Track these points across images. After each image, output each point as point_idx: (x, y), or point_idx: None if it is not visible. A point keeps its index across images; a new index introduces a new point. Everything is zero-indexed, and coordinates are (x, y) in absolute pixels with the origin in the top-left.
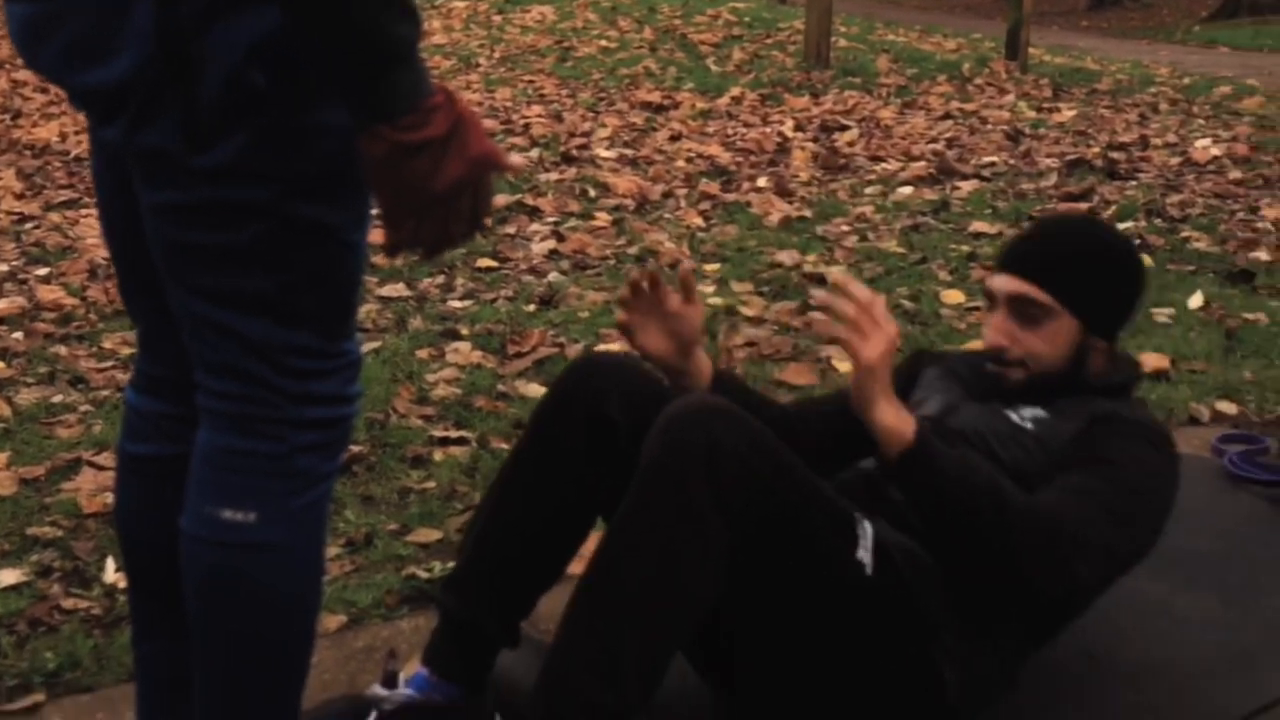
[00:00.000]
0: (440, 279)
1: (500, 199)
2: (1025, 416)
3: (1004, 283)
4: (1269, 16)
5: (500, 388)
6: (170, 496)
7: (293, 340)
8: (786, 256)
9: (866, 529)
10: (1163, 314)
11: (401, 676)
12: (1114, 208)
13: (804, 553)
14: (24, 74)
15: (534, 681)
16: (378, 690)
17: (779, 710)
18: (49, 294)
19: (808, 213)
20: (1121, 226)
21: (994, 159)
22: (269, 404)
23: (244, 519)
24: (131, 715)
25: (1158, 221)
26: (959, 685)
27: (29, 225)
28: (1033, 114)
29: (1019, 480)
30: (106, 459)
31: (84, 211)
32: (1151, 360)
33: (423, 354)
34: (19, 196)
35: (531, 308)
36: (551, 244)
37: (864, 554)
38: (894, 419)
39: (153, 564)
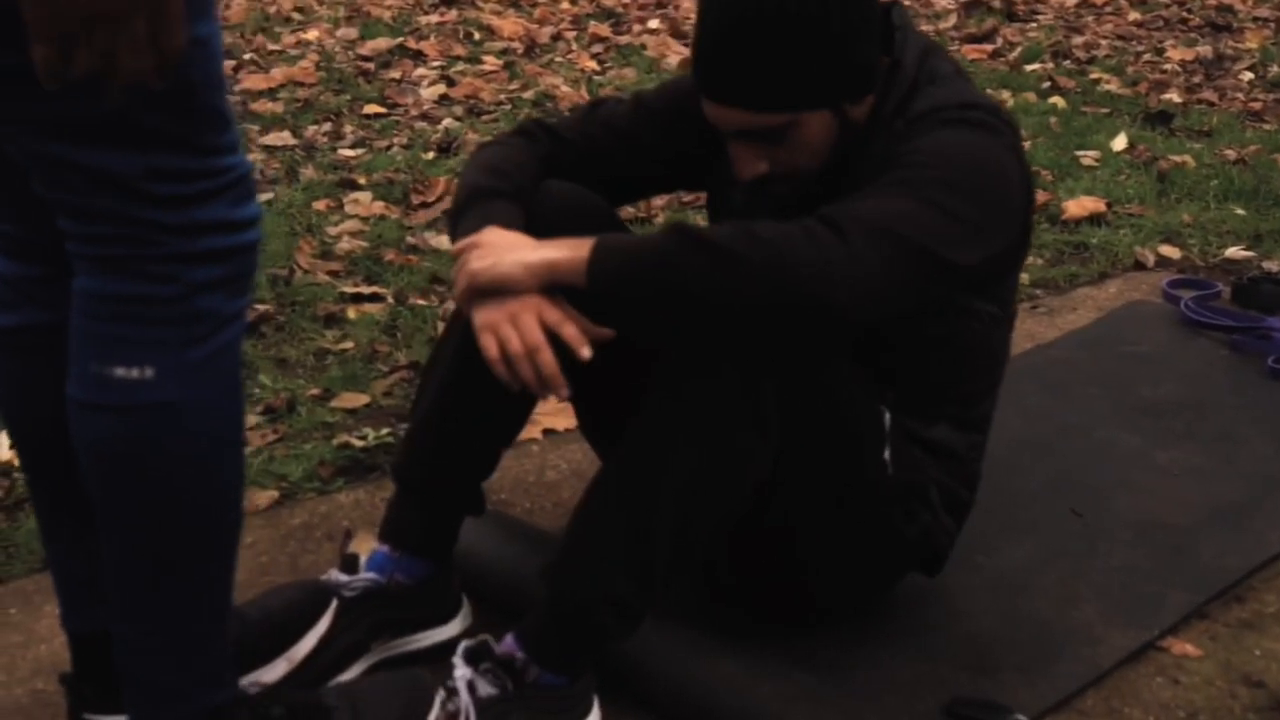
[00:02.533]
0: (327, 126)
1: (381, 43)
2: None
3: (718, 114)
4: None
5: (410, 239)
6: (53, 370)
7: (148, 163)
8: None
9: (886, 420)
10: (1088, 156)
11: (361, 558)
12: (1018, 49)
13: (843, 454)
14: None
15: (510, 565)
16: (336, 576)
17: (764, 582)
18: None
19: None
20: (1029, 68)
21: None
22: (147, 241)
23: (140, 376)
24: (50, 607)
25: (1066, 63)
26: (939, 525)
27: None
28: None
29: None
30: None
31: None
32: (1088, 204)
33: (320, 205)
34: None
35: (430, 155)
36: (441, 89)
37: (888, 452)
38: (557, 253)
39: (46, 450)
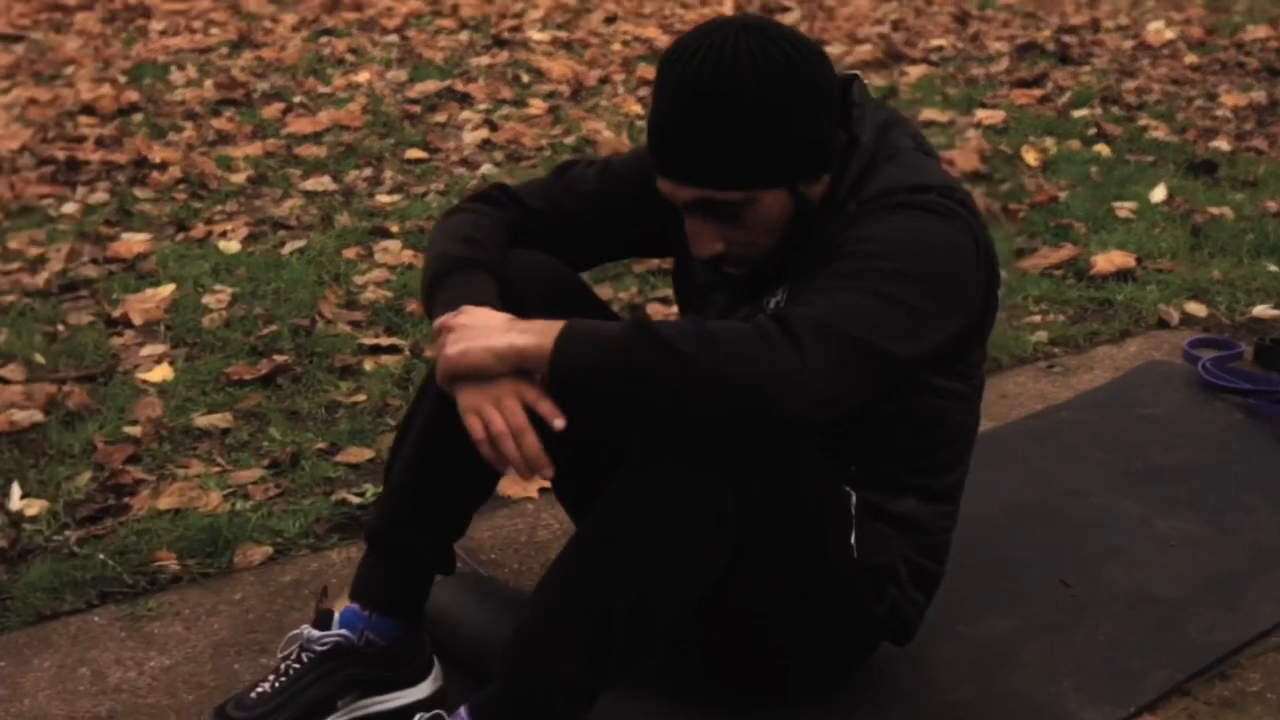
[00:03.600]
0: (367, 171)
1: (430, 85)
2: (770, 310)
3: (672, 191)
4: None
5: None
6: None
7: None
8: None
9: (853, 502)
10: (1125, 208)
11: (336, 614)
12: (1068, 94)
13: (806, 540)
14: None
15: (483, 628)
16: (309, 631)
17: (737, 660)
18: None
19: None
20: (1077, 114)
21: (942, 42)
22: None
23: None
24: (40, 660)
25: (1114, 109)
26: (908, 599)
27: None
28: None
29: None
30: (12, 371)
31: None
32: (1117, 259)
33: (350, 253)
34: None
35: None
36: (484, 133)
37: (854, 536)
38: (524, 339)
39: None
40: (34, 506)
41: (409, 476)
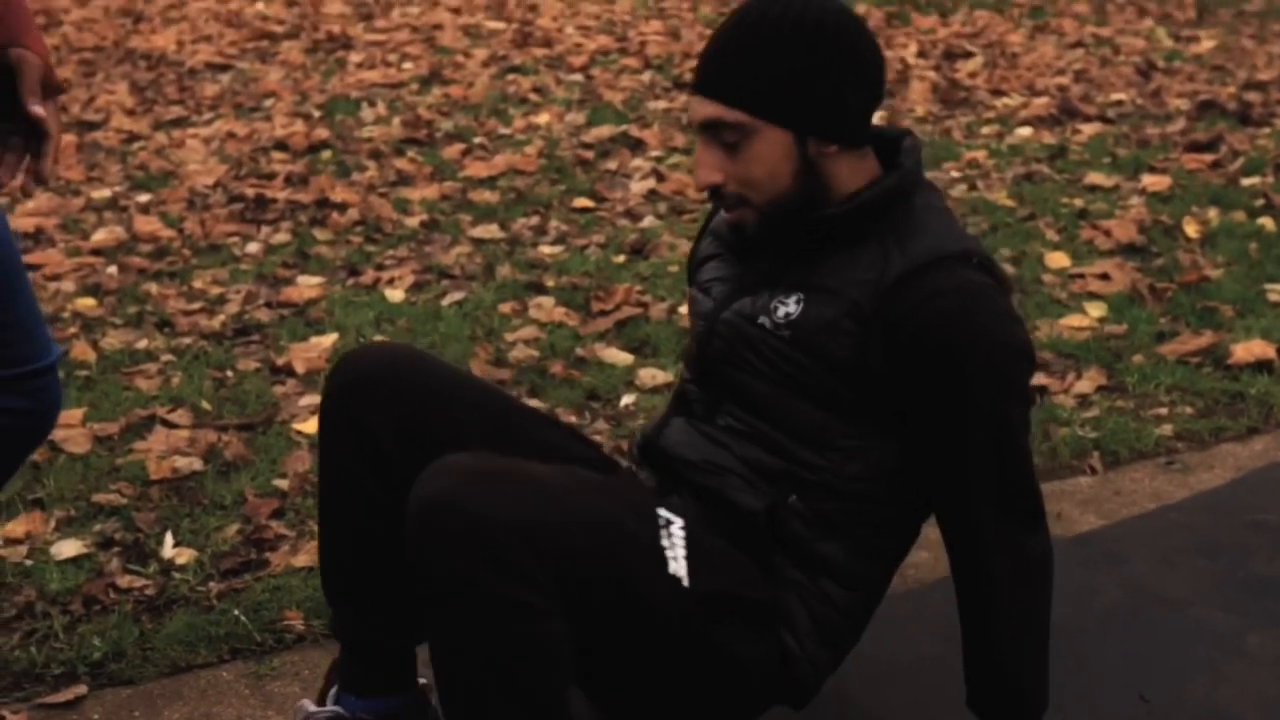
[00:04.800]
0: (534, 220)
1: (605, 130)
2: (779, 317)
3: (693, 106)
4: None
5: (579, 351)
6: None
7: None
8: None
9: (674, 534)
10: (1277, 290)
11: (332, 691)
12: (1241, 159)
13: (620, 593)
14: None
15: None
16: (306, 705)
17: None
18: (146, 225)
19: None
20: (1246, 182)
21: (1122, 96)
22: None
23: None
24: (170, 712)
25: None
26: (803, 653)
27: (136, 145)
28: (1169, 43)
29: (796, 388)
30: (180, 416)
31: (190, 131)
32: (1257, 349)
33: (506, 308)
34: (129, 113)
35: (621, 259)
36: (651, 183)
37: (676, 566)
38: None
39: None
40: (184, 555)
41: (330, 566)
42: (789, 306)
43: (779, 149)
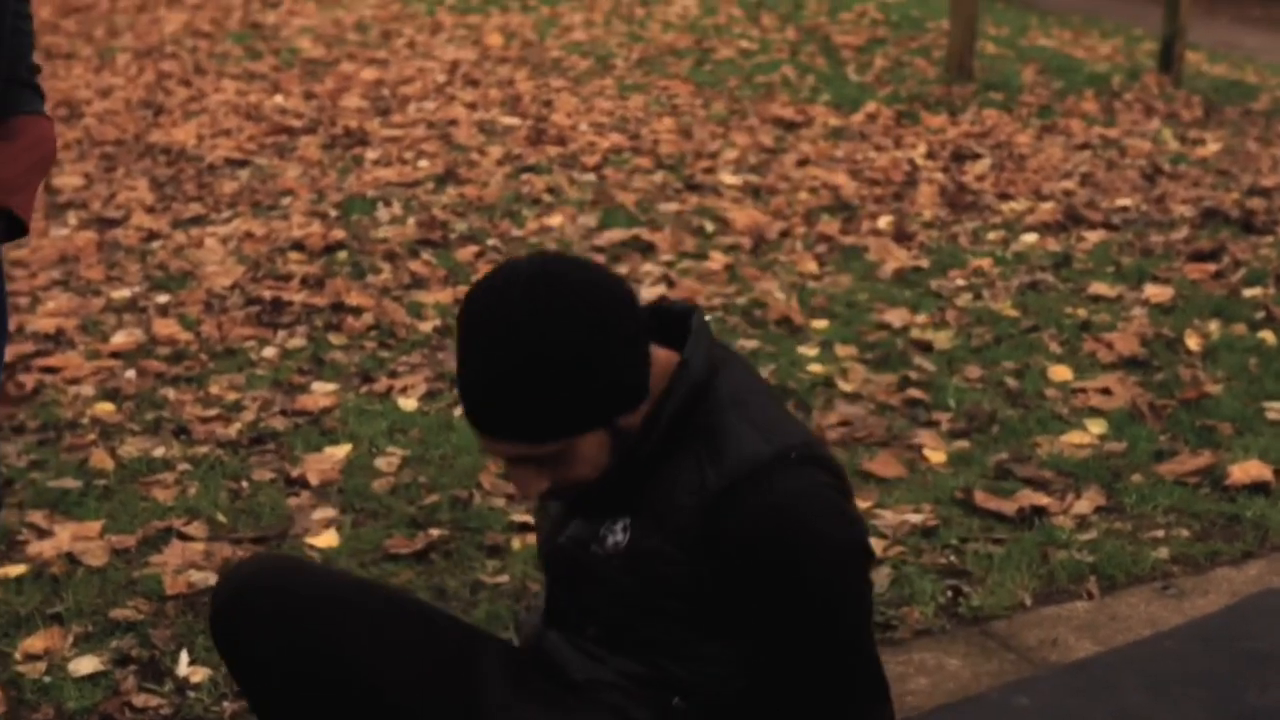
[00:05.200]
0: None
1: (616, 234)
2: (609, 546)
3: (490, 446)
4: None
5: None
6: None
7: None
8: (896, 316)
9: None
10: (1275, 409)
11: None
12: (1243, 270)
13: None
14: (170, 64)
15: None
16: None
17: None
18: (165, 327)
19: (925, 262)
20: (1248, 293)
21: (1127, 202)
22: None
23: None
24: None
25: None
26: None
27: (155, 244)
28: (1176, 145)
29: (642, 608)
30: (196, 529)
31: (209, 230)
32: (1254, 470)
33: None
34: (149, 210)
35: None
36: (661, 289)
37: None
38: None
39: None
40: (199, 674)
41: None
42: (617, 535)
43: (595, 444)
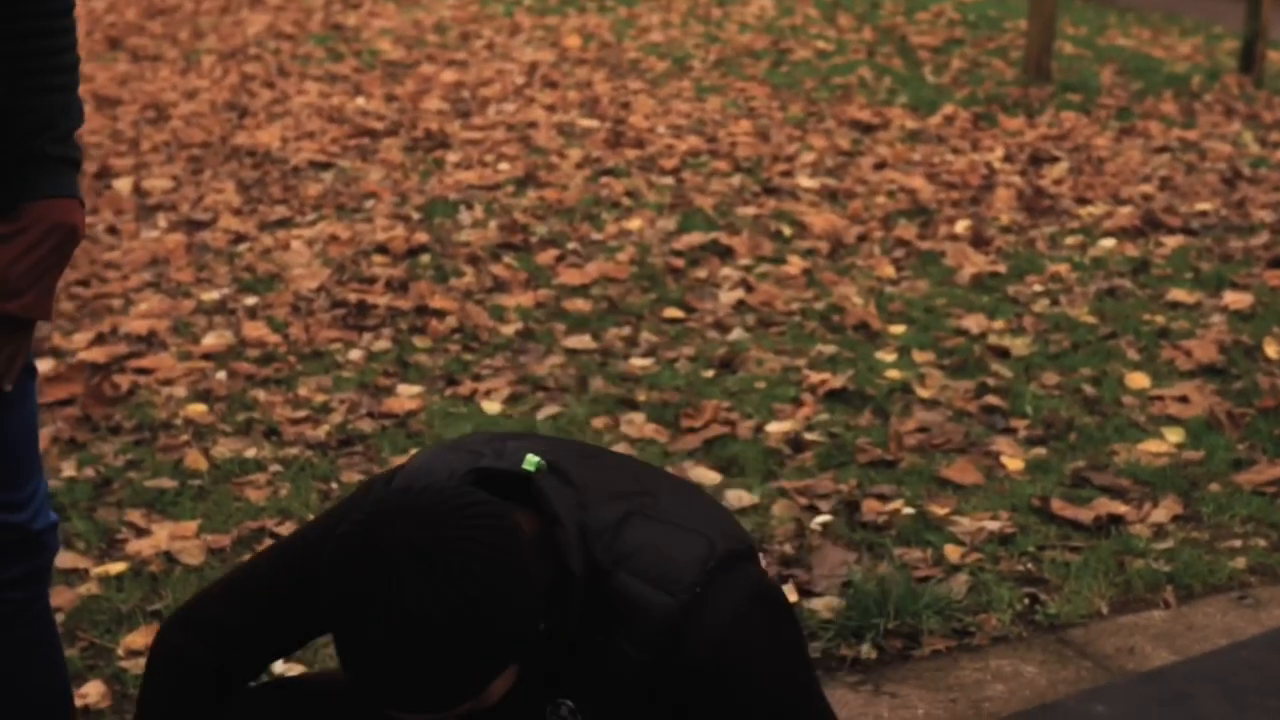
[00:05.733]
0: (626, 330)
1: (695, 237)
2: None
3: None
4: None
5: (668, 469)
6: None
7: None
8: (973, 322)
9: None
10: None
11: None
12: None
13: None
14: (254, 66)
15: None
16: None
17: None
18: (254, 330)
19: (1002, 267)
20: None
21: (1206, 206)
22: None
23: None
24: None
25: None
26: None
27: (242, 246)
28: (1256, 149)
29: None
30: (288, 529)
31: (295, 233)
32: None
33: (598, 423)
34: (236, 212)
35: (710, 373)
36: (740, 294)
37: None
38: None
39: None
40: (293, 670)
41: None
42: (563, 715)
43: (507, 680)
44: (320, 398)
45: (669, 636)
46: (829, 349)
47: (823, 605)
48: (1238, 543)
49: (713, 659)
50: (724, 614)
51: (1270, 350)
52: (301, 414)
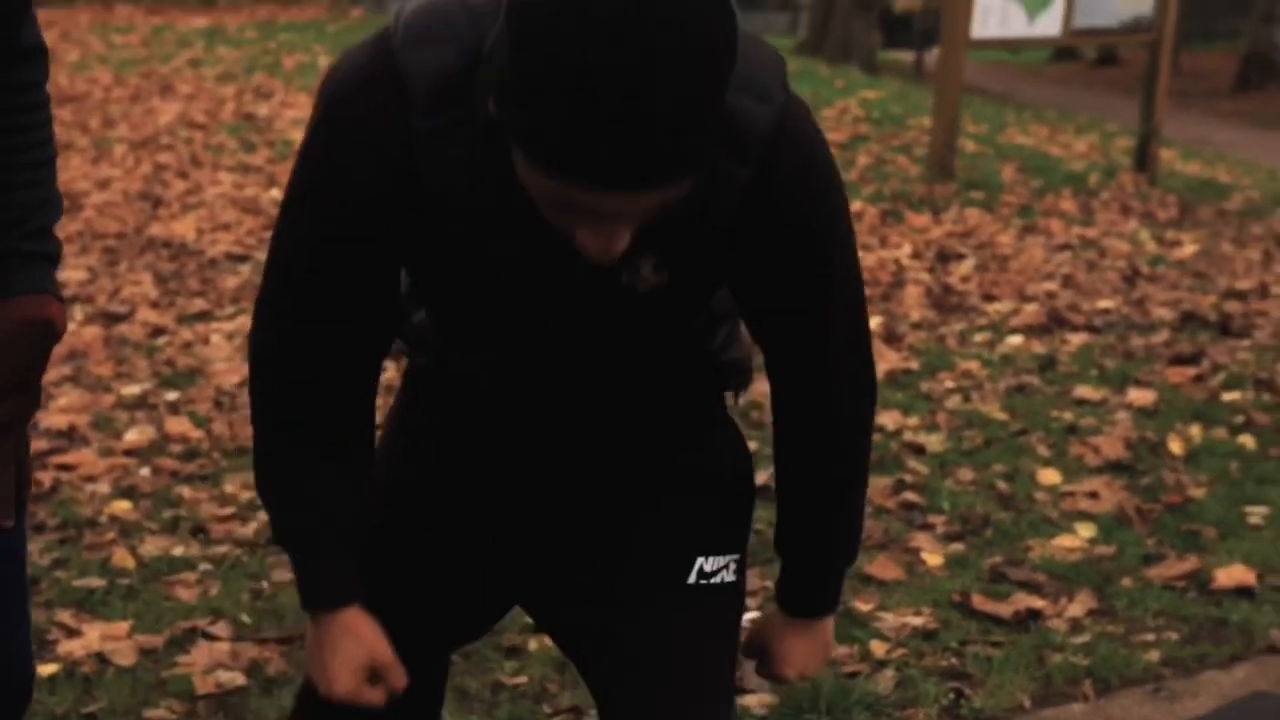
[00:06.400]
0: None
1: None
2: (643, 281)
3: (611, 205)
4: None
5: None
6: None
7: None
8: (889, 419)
9: None
10: (1257, 513)
11: None
12: (1223, 373)
13: None
14: (167, 155)
15: None
16: None
17: None
18: (176, 425)
19: (914, 364)
20: (1227, 397)
21: (1108, 304)
22: None
23: None
24: None
25: (1265, 396)
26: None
27: (161, 340)
28: (1153, 247)
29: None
30: (221, 629)
31: (214, 326)
32: (1238, 574)
33: None
34: (154, 305)
35: None
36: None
37: None
38: None
39: None
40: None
41: None
42: (647, 272)
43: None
44: (247, 494)
45: (770, 146)
46: (752, 444)
47: (756, 702)
48: (1151, 636)
49: (805, 168)
50: (806, 123)
51: (1174, 447)
52: (228, 511)
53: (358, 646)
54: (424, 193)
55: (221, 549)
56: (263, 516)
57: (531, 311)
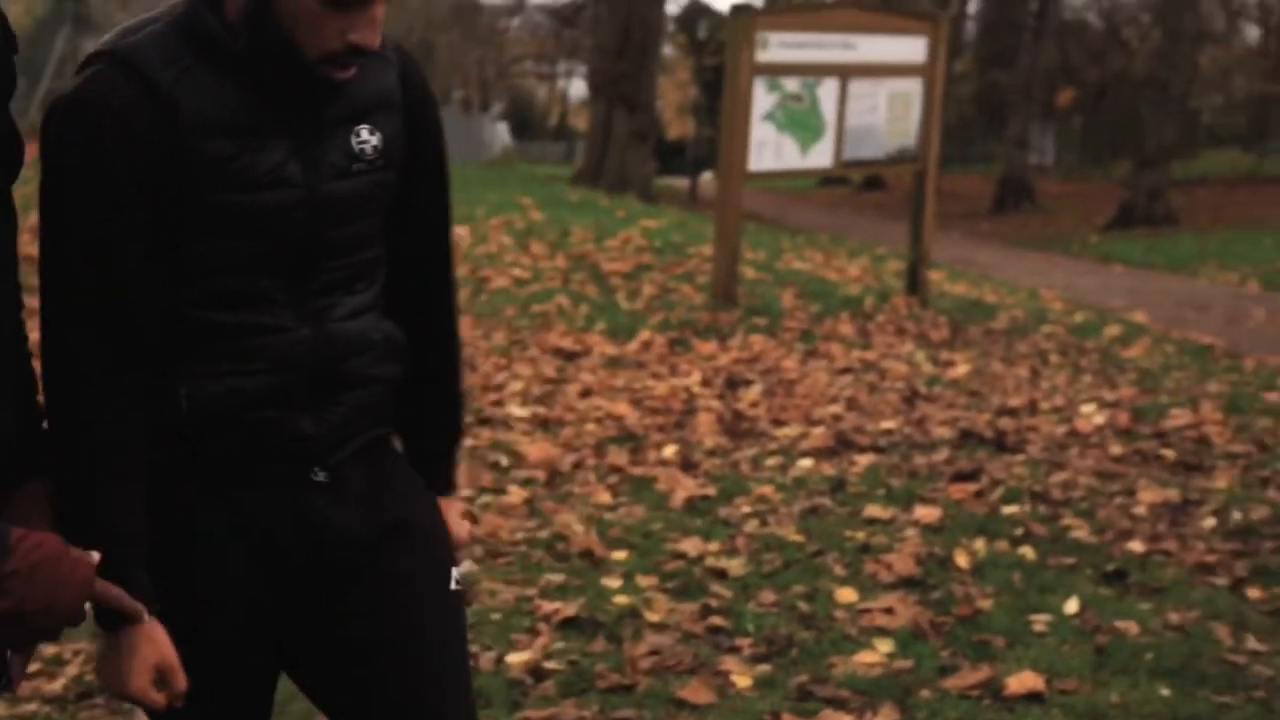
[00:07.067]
0: None
1: None
2: (368, 151)
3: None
4: (1162, 227)
5: None
6: None
7: None
8: (690, 545)
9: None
10: (1040, 621)
11: None
12: (1001, 488)
13: None
14: None
15: None
16: None
17: None
18: None
19: (711, 490)
20: (1007, 510)
21: (891, 424)
22: None
23: None
24: None
25: (1041, 508)
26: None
27: None
28: (929, 368)
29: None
30: None
31: None
32: (1028, 680)
33: None
34: None
35: None
36: (466, 525)
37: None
38: None
39: None
40: None
41: None
42: (365, 139)
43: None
44: (52, 649)
45: (395, 47)
46: (557, 577)
47: None
48: None
49: (415, 59)
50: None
51: (961, 560)
52: (34, 667)
53: (154, 650)
54: (184, 124)
55: (30, 706)
56: (70, 670)
57: (293, 207)
